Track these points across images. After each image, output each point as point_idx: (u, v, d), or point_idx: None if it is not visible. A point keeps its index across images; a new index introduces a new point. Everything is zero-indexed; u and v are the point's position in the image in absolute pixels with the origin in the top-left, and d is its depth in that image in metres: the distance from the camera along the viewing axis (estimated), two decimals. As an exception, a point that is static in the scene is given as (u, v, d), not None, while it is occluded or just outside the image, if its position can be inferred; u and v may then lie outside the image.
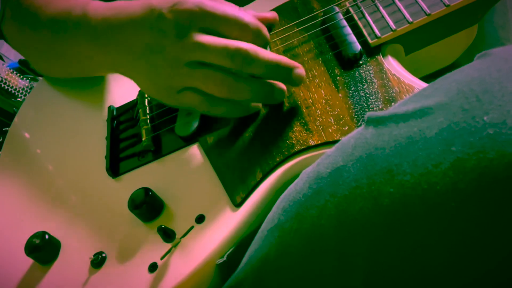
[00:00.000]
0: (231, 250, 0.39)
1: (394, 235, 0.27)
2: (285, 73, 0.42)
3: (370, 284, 0.28)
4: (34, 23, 0.54)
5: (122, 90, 0.58)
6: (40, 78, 0.66)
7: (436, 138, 0.27)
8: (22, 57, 1.17)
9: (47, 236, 0.45)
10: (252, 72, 0.41)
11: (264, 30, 0.43)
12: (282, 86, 0.44)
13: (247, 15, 0.42)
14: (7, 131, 0.61)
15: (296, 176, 0.36)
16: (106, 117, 0.55)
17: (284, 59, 0.42)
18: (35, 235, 0.45)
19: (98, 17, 0.46)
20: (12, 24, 0.58)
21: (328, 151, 0.34)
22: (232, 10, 0.42)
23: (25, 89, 1.10)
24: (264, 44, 0.43)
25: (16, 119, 0.62)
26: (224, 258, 0.38)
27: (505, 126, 0.24)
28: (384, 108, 0.40)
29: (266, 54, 0.41)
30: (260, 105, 0.46)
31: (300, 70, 0.43)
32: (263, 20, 0.47)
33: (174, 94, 0.44)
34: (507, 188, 0.23)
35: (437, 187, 0.25)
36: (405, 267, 0.27)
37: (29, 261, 0.45)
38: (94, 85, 0.60)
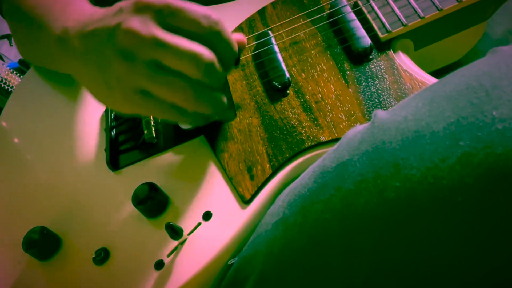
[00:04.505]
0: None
1: (399, 229, 0.26)
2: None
3: (374, 277, 0.28)
4: (16, 7, 0.54)
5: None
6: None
7: (443, 132, 0.26)
8: (22, 57, 1.16)
9: (45, 231, 0.43)
10: (205, 82, 0.38)
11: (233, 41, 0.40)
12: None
13: (213, 13, 0.38)
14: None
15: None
16: (103, 108, 0.54)
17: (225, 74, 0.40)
18: (33, 230, 0.43)
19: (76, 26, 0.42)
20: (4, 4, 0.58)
21: (333, 146, 0.33)
22: (195, 5, 0.38)
23: (25, 89, 1.08)
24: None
25: (5, 112, 0.59)
26: (237, 258, 0.38)
27: None
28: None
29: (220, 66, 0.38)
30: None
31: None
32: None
33: (131, 96, 0.38)
34: None
35: (444, 181, 0.25)
36: (409, 261, 0.26)
37: (27, 257, 0.44)
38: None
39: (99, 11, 0.40)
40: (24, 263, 0.44)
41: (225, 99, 0.41)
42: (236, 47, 0.40)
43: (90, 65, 0.39)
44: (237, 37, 0.42)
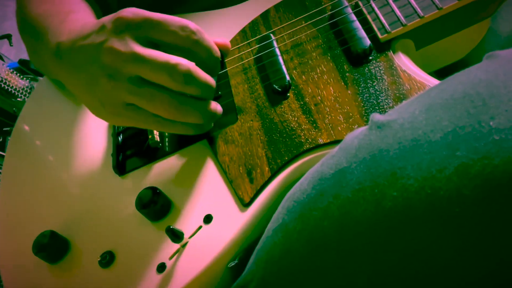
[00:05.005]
0: (243, 254, 0.39)
1: (396, 239, 0.26)
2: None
3: (374, 279, 0.28)
4: (24, 19, 0.57)
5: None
6: (40, 78, 0.66)
7: (441, 142, 0.26)
8: (22, 57, 1.20)
9: (55, 235, 0.45)
10: (189, 92, 0.40)
11: (212, 45, 0.41)
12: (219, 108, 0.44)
13: (191, 24, 0.40)
14: (7, 131, 0.60)
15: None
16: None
17: (212, 81, 0.41)
18: (43, 234, 0.45)
19: (69, 36, 0.44)
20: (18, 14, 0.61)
21: (331, 151, 0.33)
22: (174, 18, 0.39)
23: (25, 89, 1.10)
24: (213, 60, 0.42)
25: (20, 118, 0.62)
26: (236, 261, 0.38)
27: (511, 132, 0.24)
28: (394, 106, 0.39)
29: (203, 74, 0.40)
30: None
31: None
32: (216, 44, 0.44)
33: (120, 110, 0.41)
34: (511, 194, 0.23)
35: (441, 192, 0.25)
36: (407, 270, 0.26)
37: (37, 260, 0.45)
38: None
39: (88, 25, 0.42)
40: (34, 266, 0.45)
41: (214, 107, 0.43)
42: (217, 53, 0.42)
43: (81, 81, 0.42)
44: (218, 42, 0.44)
